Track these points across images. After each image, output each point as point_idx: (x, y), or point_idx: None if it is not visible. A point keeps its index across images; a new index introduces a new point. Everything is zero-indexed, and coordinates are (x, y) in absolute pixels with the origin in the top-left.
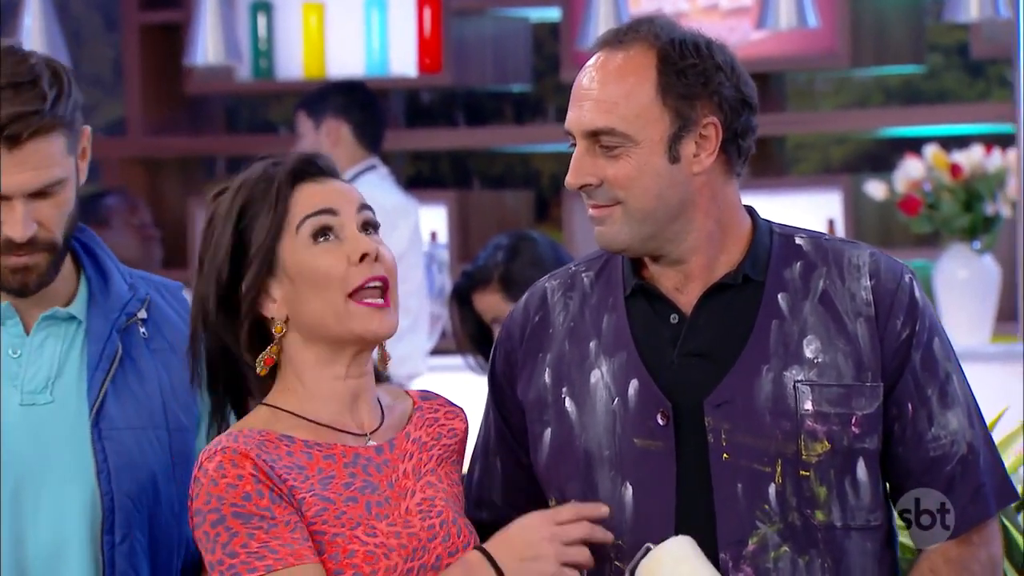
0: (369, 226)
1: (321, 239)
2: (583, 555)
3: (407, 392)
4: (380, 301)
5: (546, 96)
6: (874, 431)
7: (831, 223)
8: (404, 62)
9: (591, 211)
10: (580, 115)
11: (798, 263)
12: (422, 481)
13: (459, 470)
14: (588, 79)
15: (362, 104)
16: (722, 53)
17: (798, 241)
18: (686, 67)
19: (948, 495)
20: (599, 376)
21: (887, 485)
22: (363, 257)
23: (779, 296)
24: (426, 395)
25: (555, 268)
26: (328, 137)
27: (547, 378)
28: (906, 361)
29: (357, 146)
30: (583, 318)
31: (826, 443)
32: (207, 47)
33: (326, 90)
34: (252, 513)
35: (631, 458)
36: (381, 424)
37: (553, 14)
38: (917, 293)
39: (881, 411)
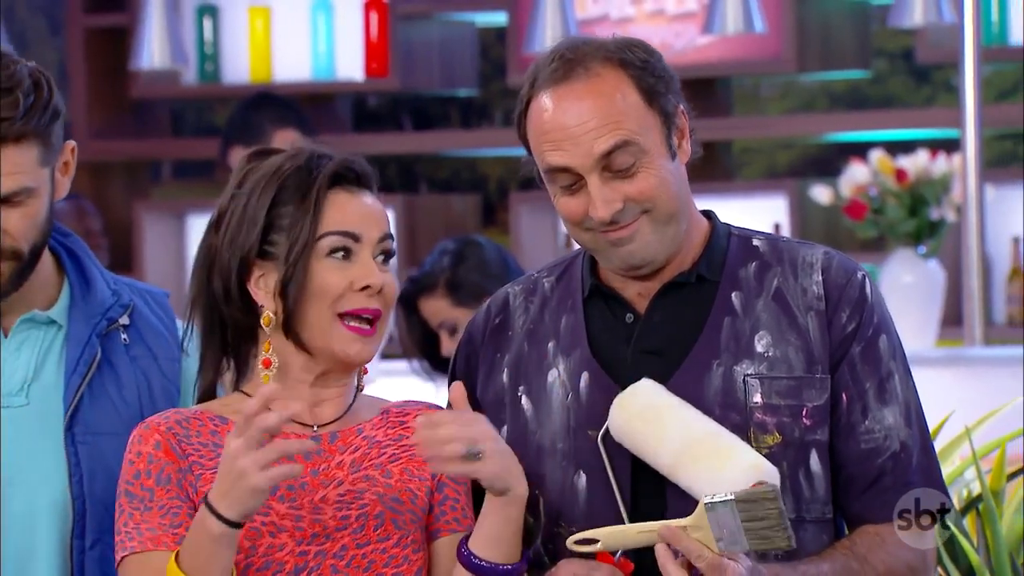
0: (386, 255)
1: (335, 255)
2: (276, 448)
3: (385, 403)
4: (366, 328)
5: (493, 100)
6: (825, 423)
7: (777, 228)
8: (351, 66)
9: (614, 235)
10: (583, 148)
11: (753, 263)
12: (358, 474)
13: (427, 466)
14: (569, 115)
15: (291, 106)
16: (646, 45)
17: (755, 243)
18: (648, 66)
19: (875, 485)
20: (556, 375)
21: None
22: (365, 287)
23: (733, 295)
24: (403, 403)
25: (501, 273)
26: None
27: (504, 378)
28: (846, 352)
29: None
30: (542, 320)
31: (777, 435)
32: (153, 51)
33: (247, 114)
34: (136, 493)
35: (585, 449)
36: (335, 420)
37: (499, 19)
38: (868, 290)
39: (830, 403)
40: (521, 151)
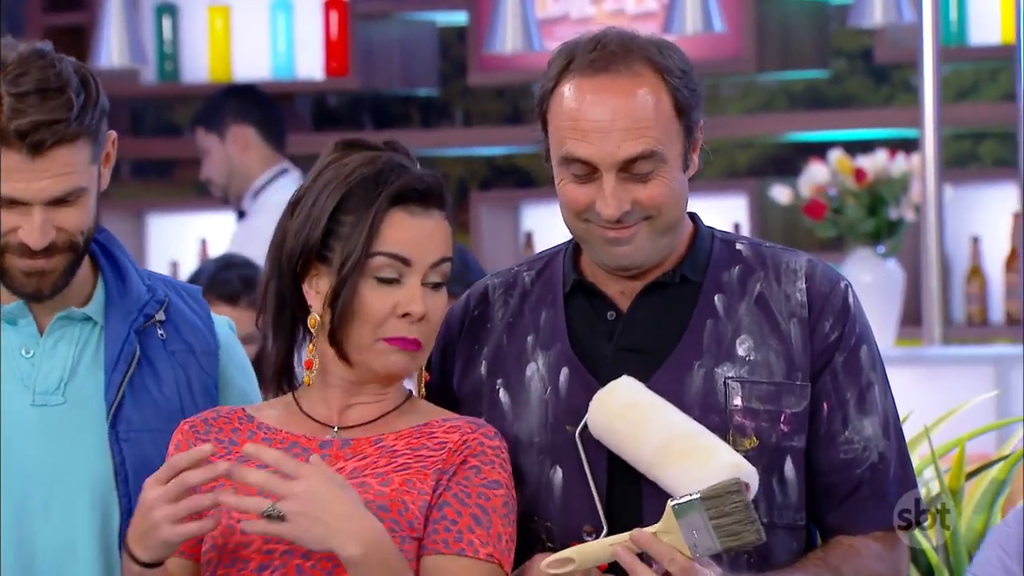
0: (439, 283)
1: (383, 279)
2: (194, 503)
3: (437, 415)
4: (408, 345)
5: (453, 100)
6: (802, 430)
7: (737, 227)
8: (310, 65)
9: (613, 233)
10: (609, 147)
11: (737, 267)
12: (354, 480)
13: (431, 480)
14: (602, 109)
15: (259, 104)
16: (683, 54)
17: (738, 247)
18: (684, 77)
19: (852, 497)
20: (535, 369)
21: None
22: (406, 314)
23: (715, 297)
24: (450, 418)
25: (462, 272)
26: (236, 144)
27: (482, 370)
28: (829, 362)
29: (266, 147)
30: (522, 314)
31: (755, 439)
32: (112, 50)
33: (218, 100)
34: None
35: (562, 443)
36: (361, 425)
37: (460, 18)
38: (850, 300)
39: (809, 410)
40: (481, 151)
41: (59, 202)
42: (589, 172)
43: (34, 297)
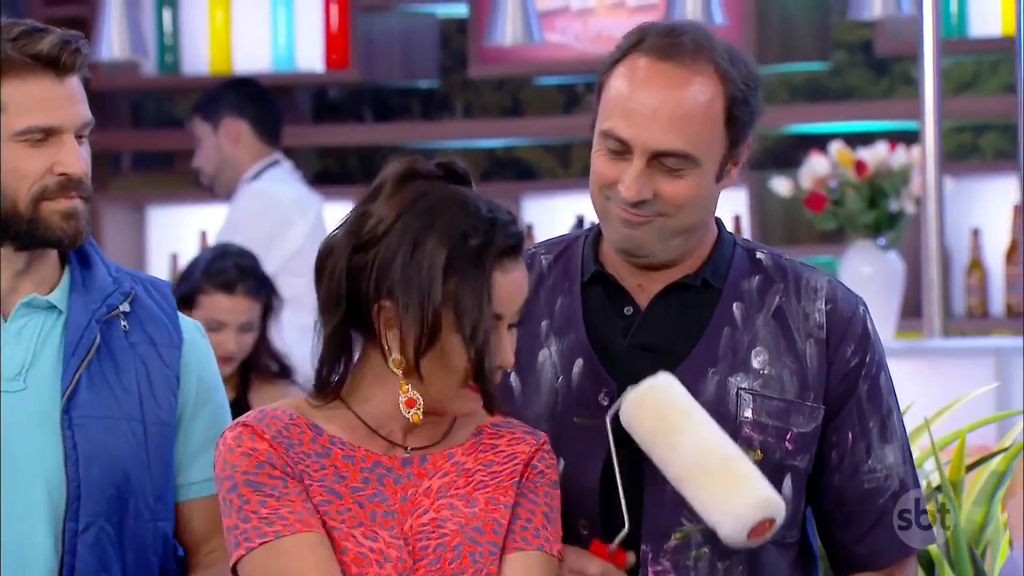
0: (512, 324)
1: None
2: None
3: (480, 422)
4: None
5: (453, 92)
6: (807, 451)
7: (737, 220)
8: (311, 57)
9: (627, 215)
10: (648, 133)
11: (757, 276)
12: (442, 501)
13: (513, 492)
14: (653, 96)
15: (255, 99)
16: (755, 68)
17: (759, 256)
18: (746, 94)
19: (876, 526)
20: (547, 355)
21: (815, 511)
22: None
23: (734, 305)
24: (500, 424)
25: None
26: (228, 137)
27: None
28: (852, 390)
29: (258, 142)
30: (537, 299)
31: (759, 452)
32: (112, 42)
33: (217, 91)
34: (263, 482)
35: (569, 435)
36: (430, 444)
37: (460, 10)
38: (869, 326)
39: (818, 433)
40: (482, 143)
41: (77, 135)
42: (623, 151)
43: (71, 242)
